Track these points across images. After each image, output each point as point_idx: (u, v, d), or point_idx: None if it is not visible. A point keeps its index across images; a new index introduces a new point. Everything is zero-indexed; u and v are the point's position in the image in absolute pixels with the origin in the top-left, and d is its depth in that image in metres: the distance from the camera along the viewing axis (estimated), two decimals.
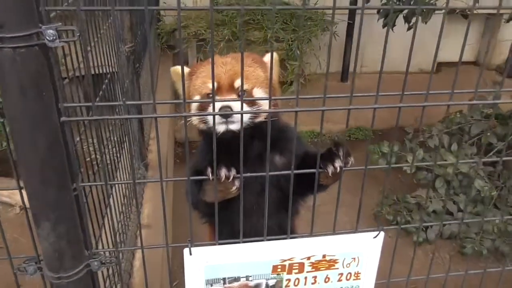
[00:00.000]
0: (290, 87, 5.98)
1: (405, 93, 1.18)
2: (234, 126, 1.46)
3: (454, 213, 3.66)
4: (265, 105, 1.55)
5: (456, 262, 3.53)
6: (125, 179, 2.53)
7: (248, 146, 1.57)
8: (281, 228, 1.69)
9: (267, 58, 1.72)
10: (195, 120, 1.58)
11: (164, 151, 3.37)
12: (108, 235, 1.87)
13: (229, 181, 1.28)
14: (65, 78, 1.77)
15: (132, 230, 2.44)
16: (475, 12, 4.45)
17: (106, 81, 1.99)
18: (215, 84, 1.57)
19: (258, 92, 1.59)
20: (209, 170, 1.26)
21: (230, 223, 1.64)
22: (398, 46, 6.91)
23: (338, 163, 1.33)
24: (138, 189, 2.70)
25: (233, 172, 1.29)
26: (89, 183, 1.19)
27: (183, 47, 5.53)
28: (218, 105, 1.43)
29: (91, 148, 2.33)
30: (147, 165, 2.96)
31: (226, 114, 1.38)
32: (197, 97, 1.64)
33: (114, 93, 2.31)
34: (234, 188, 1.32)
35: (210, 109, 1.53)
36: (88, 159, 2.21)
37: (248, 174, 1.18)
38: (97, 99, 1.80)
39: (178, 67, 1.76)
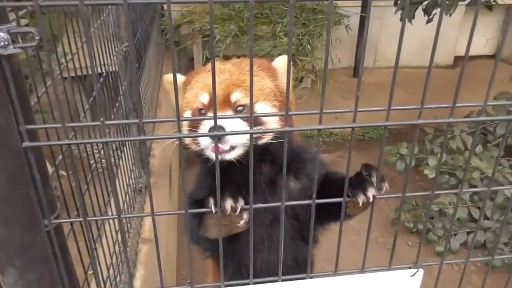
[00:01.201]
0: (300, 83, 5.74)
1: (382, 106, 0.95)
2: (229, 155, 1.23)
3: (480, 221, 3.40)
4: (270, 123, 1.30)
5: (482, 273, 3.28)
6: (125, 187, 2.33)
7: (256, 170, 1.34)
8: (297, 262, 1.46)
9: (276, 63, 1.45)
10: (186, 139, 1.35)
11: (167, 155, 3.17)
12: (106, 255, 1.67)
13: (236, 214, 1.06)
14: (66, 77, 1.57)
15: (133, 246, 2.23)
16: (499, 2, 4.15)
17: (98, 85, 1.77)
18: (207, 97, 1.33)
19: (262, 108, 1.33)
20: (211, 201, 1.03)
21: (236, 257, 1.42)
22: (412, 40, 6.64)
23: (371, 192, 1.10)
24: (137, 201, 2.49)
25: (240, 203, 1.06)
26: (64, 220, 0.98)
27: (188, 43, 5.31)
28: (207, 125, 1.21)
29: (95, 150, 2.14)
30: (149, 173, 2.75)
31: (220, 135, 1.14)
32: (188, 113, 1.39)
33: (112, 95, 2.10)
34: (242, 222, 1.10)
35: (201, 128, 1.30)
36: (92, 161, 2.04)
37: (260, 206, 0.96)
38: (86, 107, 1.58)
39: (171, 76, 1.53)
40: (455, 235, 3.45)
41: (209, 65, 1.50)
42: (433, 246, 3.45)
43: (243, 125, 1.24)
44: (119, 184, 2.13)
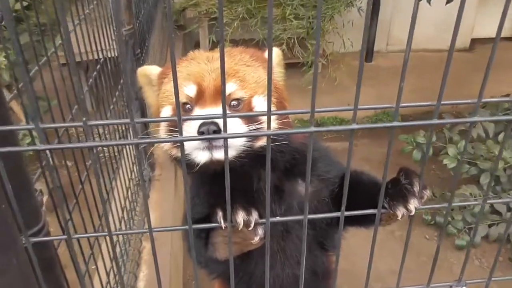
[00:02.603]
0: (310, 69, 5.52)
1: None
2: (221, 154, 1.02)
3: (503, 213, 3.22)
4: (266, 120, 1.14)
5: (505, 268, 3.12)
6: (127, 181, 2.19)
7: (254, 177, 1.17)
8: (315, 273, 1.31)
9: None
10: (166, 143, 1.15)
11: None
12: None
13: (249, 229, 0.90)
14: (64, 64, 1.44)
15: (136, 245, 2.11)
16: None
17: (95, 73, 1.61)
18: (193, 88, 1.13)
19: (261, 102, 1.16)
20: (219, 214, 0.87)
21: (247, 275, 1.26)
22: (426, 22, 6.35)
23: (413, 204, 0.93)
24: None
25: (254, 216, 0.90)
26: (44, 238, 0.83)
27: (194, 27, 5.10)
28: (196, 121, 1.01)
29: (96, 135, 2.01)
30: (153, 164, 2.60)
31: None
32: (167, 109, 1.20)
33: (111, 84, 1.94)
34: (256, 238, 0.94)
35: (186, 126, 1.09)
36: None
37: (278, 219, 0.80)
38: (81, 97, 1.42)
39: (146, 68, 1.32)
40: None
41: (190, 54, 1.30)
42: (453, 239, 3.29)
43: (238, 123, 1.08)
44: (119, 178, 1.98)
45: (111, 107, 1.79)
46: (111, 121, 1.74)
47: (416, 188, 0.94)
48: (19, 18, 1.27)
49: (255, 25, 4.96)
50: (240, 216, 0.88)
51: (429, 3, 3.76)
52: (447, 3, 3.76)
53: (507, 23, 7.08)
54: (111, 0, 1.91)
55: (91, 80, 1.55)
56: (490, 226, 3.27)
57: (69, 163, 1.39)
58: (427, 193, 0.97)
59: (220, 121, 0.98)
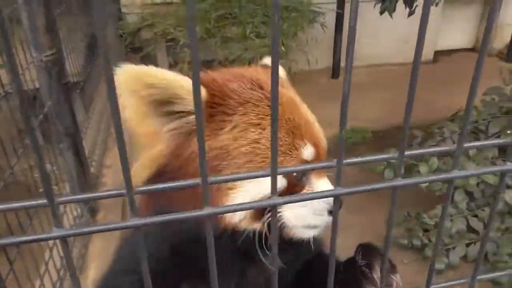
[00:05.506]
0: None
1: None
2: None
3: (479, 231, 3.07)
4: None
5: None
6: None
7: (228, 256, 0.84)
8: None
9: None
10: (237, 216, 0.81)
11: (122, 183, 2.71)
12: None
13: None
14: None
15: None
16: None
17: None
18: (312, 152, 0.84)
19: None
20: None
21: None
22: (392, 36, 6.35)
23: None
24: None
25: None
26: None
27: (150, 48, 4.85)
28: (323, 201, 0.78)
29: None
30: (94, 209, 2.24)
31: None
32: (250, 193, 0.79)
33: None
34: None
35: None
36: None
37: None
38: None
39: (149, 69, 0.74)
40: (453, 248, 3.11)
41: (265, 85, 0.87)
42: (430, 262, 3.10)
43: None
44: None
45: (20, 151, 1.48)
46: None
47: (376, 274, 0.69)
48: None
49: (215, 45, 4.76)
50: None
51: (391, 16, 3.67)
52: (409, 15, 3.67)
53: (467, 36, 7.22)
54: (25, 19, 1.63)
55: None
56: (467, 245, 3.10)
57: None
58: (397, 278, 0.71)
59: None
